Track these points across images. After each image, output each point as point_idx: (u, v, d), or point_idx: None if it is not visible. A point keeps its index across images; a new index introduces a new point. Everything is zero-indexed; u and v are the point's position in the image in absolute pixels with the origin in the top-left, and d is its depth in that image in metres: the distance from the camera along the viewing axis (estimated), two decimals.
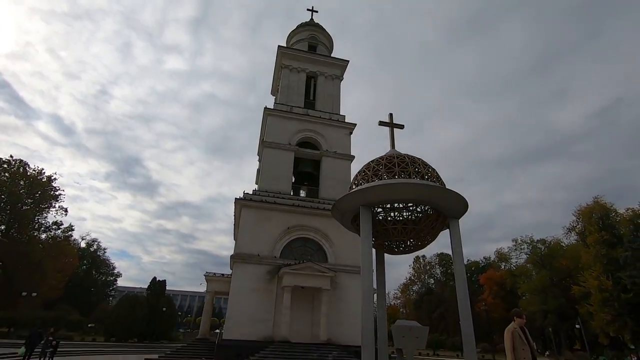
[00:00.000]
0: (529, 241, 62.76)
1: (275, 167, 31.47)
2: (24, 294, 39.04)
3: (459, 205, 10.81)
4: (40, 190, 56.98)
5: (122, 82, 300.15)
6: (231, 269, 29.70)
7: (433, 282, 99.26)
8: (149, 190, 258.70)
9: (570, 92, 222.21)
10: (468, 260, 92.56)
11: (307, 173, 33.87)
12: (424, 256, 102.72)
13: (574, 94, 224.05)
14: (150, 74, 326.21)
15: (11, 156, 59.04)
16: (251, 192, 29.85)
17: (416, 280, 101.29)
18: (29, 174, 56.85)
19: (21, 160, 56.88)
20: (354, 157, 34.06)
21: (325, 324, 24.63)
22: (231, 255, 27.73)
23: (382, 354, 10.61)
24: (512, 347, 5.78)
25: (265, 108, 34.09)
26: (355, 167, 33.59)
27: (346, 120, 35.85)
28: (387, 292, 29.33)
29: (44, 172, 58.37)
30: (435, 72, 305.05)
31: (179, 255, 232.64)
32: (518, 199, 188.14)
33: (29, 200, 56.02)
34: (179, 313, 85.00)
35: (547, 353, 60.83)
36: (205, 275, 29.77)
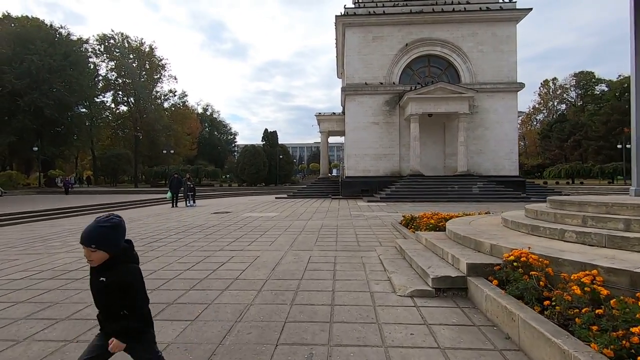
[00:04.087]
0: None
1: None
2: (164, 151, 44.34)
3: None
4: (147, 61, 59.37)
5: None
6: (342, 105, 26.48)
7: (565, 107, 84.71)
8: (240, 55, 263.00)
9: None
10: (619, 75, 72.61)
11: None
12: (554, 79, 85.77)
13: None
14: None
15: (112, 30, 61.15)
16: (353, 6, 23.35)
17: (542, 108, 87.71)
18: (133, 46, 58.75)
19: (122, 33, 58.12)
20: None
21: (464, 154, 20.72)
22: (342, 88, 23.96)
23: None
24: None
25: None
26: None
27: None
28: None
29: (145, 42, 59.74)
30: None
31: (280, 114, 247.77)
32: None
33: (143, 73, 59.39)
34: (294, 160, 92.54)
35: None
36: (316, 116, 27.35)
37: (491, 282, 3.60)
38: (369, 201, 18.23)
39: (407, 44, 22.33)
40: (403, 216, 9.26)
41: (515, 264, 3.44)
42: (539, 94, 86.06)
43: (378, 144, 22.66)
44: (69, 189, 28.82)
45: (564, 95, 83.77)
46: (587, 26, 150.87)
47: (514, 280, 3.32)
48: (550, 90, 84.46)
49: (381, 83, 22.60)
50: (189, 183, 19.75)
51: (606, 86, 77.11)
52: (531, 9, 21.53)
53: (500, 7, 21.98)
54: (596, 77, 78.60)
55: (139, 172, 59.17)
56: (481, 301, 3.47)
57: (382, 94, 22.62)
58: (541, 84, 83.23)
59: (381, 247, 6.67)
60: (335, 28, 24.30)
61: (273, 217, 12.09)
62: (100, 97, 56.29)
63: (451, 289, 3.91)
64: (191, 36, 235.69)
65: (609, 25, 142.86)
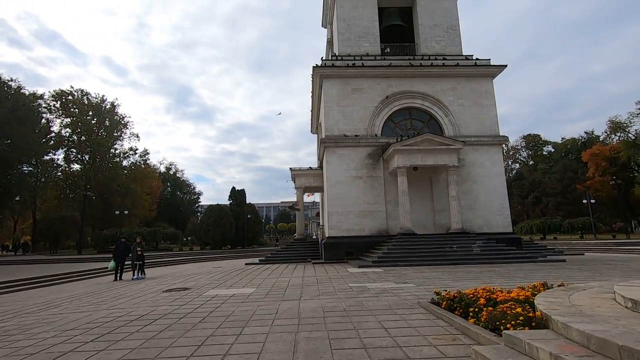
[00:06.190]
0: None
1: (356, 21, 23.28)
2: (117, 212, 39.69)
3: None
4: (108, 117, 56.28)
5: (155, 11, 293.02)
6: (320, 160, 24.66)
7: (519, 166, 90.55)
8: (207, 118, 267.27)
9: None
10: (562, 138, 79.43)
11: (394, 28, 25.17)
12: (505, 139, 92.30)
13: None
14: None
15: (71, 86, 58.49)
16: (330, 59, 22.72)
17: None
18: (93, 103, 55.88)
19: (82, 90, 55.38)
20: None
21: (457, 210, 18.94)
22: (320, 140, 22.29)
23: None
24: None
25: None
26: (464, 8, 23.80)
27: None
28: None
29: (106, 99, 57.16)
30: None
31: (246, 174, 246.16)
32: (603, 69, 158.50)
33: (102, 131, 55.85)
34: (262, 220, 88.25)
35: None
36: (291, 170, 25.15)
37: None
38: (360, 266, 15.42)
39: (387, 96, 21.54)
40: (436, 293, 6.65)
41: None
42: None
43: (362, 200, 20.52)
44: None
45: (517, 155, 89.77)
46: (524, 98, 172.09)
47: None
48: (504, 151, 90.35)
49: (364, 135, 21.21)
50: (138, 249, 16.00)
51: (552, 147, 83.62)
52: (506, 65, 21.90)
53: (475, 63, 22.21)
54: (542, 139, 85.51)
55: (87, 236, 52.57)
56: None
57: (365, 146, 21.11)
58: None
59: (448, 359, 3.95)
60: (312, 80, 23.37)
61: (249, 295, 8.96)
62: (51, 154, 51.54)
63: None
64: (157, 100, 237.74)
65: (554, 92, 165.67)
